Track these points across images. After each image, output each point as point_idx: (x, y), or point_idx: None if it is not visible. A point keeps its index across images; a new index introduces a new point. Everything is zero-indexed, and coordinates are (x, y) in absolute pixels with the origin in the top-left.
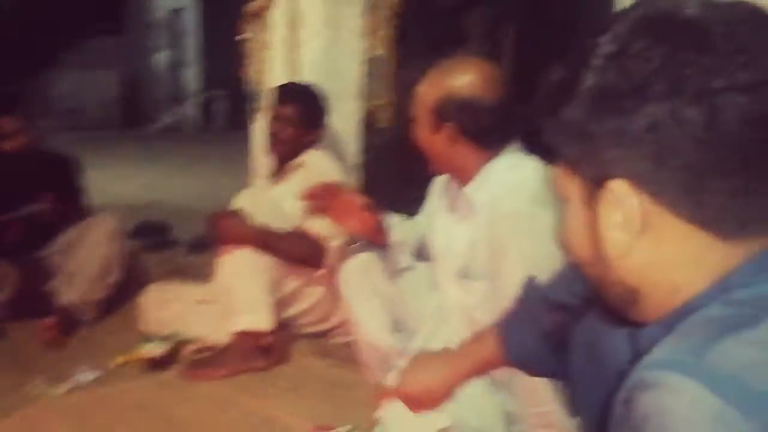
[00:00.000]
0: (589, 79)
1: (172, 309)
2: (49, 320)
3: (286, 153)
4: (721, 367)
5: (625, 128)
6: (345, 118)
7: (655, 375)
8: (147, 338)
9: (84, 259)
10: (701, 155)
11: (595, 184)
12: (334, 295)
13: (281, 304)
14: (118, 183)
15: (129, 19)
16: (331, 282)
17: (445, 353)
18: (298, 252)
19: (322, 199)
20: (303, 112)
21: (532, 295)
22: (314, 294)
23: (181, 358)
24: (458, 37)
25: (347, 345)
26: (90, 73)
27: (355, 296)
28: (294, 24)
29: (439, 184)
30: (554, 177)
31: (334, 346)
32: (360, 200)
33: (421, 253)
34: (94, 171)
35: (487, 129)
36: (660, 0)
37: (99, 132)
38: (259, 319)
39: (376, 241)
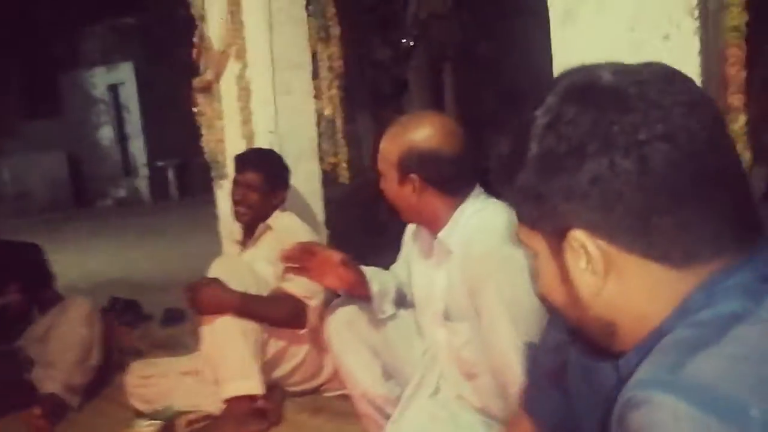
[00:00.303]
0: (533, 148)
1: (159, 384)
2: (35, 410)
3: (251, 218)
4: (694, 381)
5: (571, 185)
6: (305, 178)
7: (640, 394)
8: (139, 416)
9: (62, 346)
10: (640, 199)
11: (557, 237)
12: (319, 351)
13: (267, 366)
14: (76, 263)
15: (67, 99)
16: (315, 340)
17: None
18: (279, 314)
19: (299, 259)
20: (264, 177)
21: (532, 360)
22: (299, 353)
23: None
24: (400, 86)
25: (340, 398)
26: (35, 156)
27: (344, 349)
28: (244, 93)
29: (411, 233)
30: (520, 236)
31: (327, 401)
32: (337, 256)
33: (403, 301)
34: (51, 254)
35: (449, 177)
36: (577, 71)
37: (49, 214)
38: (250, 384)
39: (357, 293)
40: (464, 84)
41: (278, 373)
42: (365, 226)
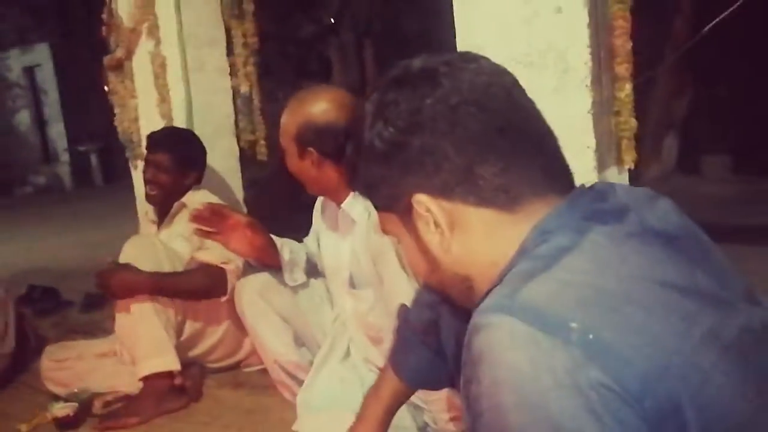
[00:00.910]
0: (367, 138)
1: (75, 367)
2: None
3: (162, 198)
4: (526, 304)
5: (405, 159)
6: (222, 156)
7: (482, 318)
8: (54, 399)
9: None
10: (461, 155)
11: (406, 210)
12: (239, 328)
13: (184, 345)
14: None
15: None
16: (234, 316)
17: (360, 412)
18: (196, 285)
19: (208, 221)
20: (174, 158)
21: (403, 318)
22: (218, 332)
23: (93, 413)
24: (322, 65)
25: (259, 372)
26: None
27: (257, 318)
28: (161, 71)
29: (319, 205)
30: (381, 226)
31: (247, 375)
32: (245, 219)
33: (314, 271)
34: None
35: (345, 149)
36: (395, 67)
37: None
38: (165, 360)
39: (267, 261)
40: (388, 60)
41: (196, 351)
42: (288, 206)
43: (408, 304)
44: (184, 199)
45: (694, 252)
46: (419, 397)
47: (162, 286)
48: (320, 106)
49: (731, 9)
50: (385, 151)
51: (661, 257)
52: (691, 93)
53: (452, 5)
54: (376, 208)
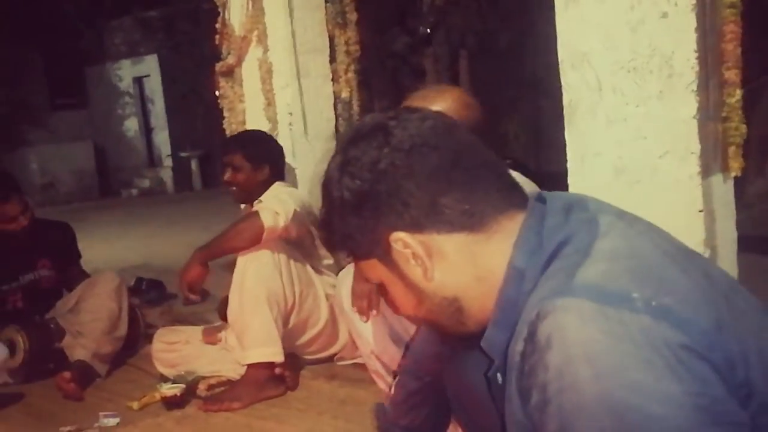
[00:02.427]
0: (335, 194)
1: (183, 350)
2: (66, 374)
3: (245, 197)
4: (586, 284)
5: (376, 204)
6: (323, 158)
7: (547, 305)
8: (163, 380)
9: (91, 317)
10: (423, 189)
11: (386, 252)
12: (335, 322)
13: (289, 334)
14: (102, 250)
15: (94, 90)
16: (333, 310)
17: None
18: (237, 235)
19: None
20: (244, 155)
21: (381, 416)
22: (319, 322)
23: (197, 395)
24: (417, 74)
25: (353, 366)
26: (62, 146)
27: (354, 311)
28: (267, 76)
29: None
30: (365, 274)
31: (341, 368)
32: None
33: None
34: (78, 241)
35: None
36: (346, 131)
37: (76, 204)
38: (272, 351)
39: None
40: (482, 72)
41: (299, 341)
42: None
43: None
44: (262, 197)
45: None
46: None
47: (210, 249)
48: (443, 105)
49: None
50: (356, 201)
51: (647, 235)
52: None
53: (553, 14)
54: (356, 258)
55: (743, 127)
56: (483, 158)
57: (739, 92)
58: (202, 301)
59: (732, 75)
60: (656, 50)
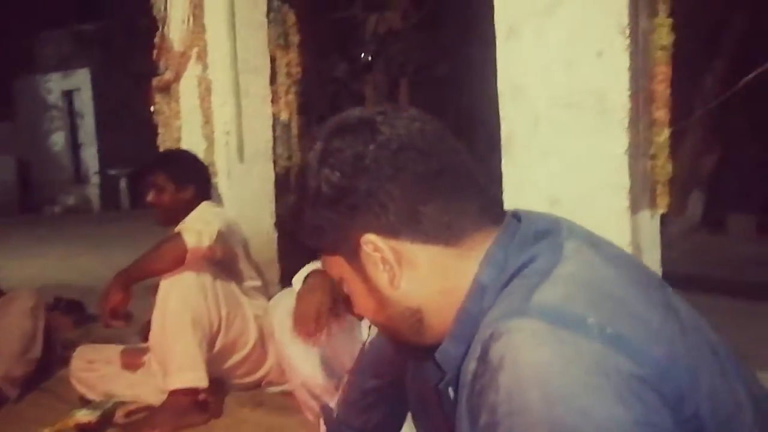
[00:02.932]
0: (312, 185)
1: (102, 370)
2: None
3: (169, 219)
4: (543, 306)
5: (352, 203)
6: (259, 179)
7: (501, 325)
8: (83, 403)
9: (3, 337)
10: (404, 195)
11: (353, 252)
12: (264, 344)
13: (215, 358)
14: (21, 267)
15: (20, 103)
16: (261, 332)
17: None
18: (159, 257)
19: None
20: (168, 176)
21: (330, 416)
22: (247, 345)
23: (115, 422)
24: (357, 100)
25: (280, 394)
26: None
27: (287, 339)
28: (206, 94)
29: None
30: (327, 269)
31: (268, 396)
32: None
33: None
34: None
35: None
36: (332, 120)
37: None
38: (195, 376)
39: None
40: (421, 100)
41: (226, 364)
42: None
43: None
44: (184, 221)
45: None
46: None
47: (131, 273)
48: None
49: (761, 69)
50: (333, 195)
51: (615, 264)
52: (720, 150)
53: (491, 48)
54: (321, 251)
55: (669, 166)
56: (468, 169)
57: (666, 131)
58: (125, 326)
59: (661, 114)
60: (590, 87)
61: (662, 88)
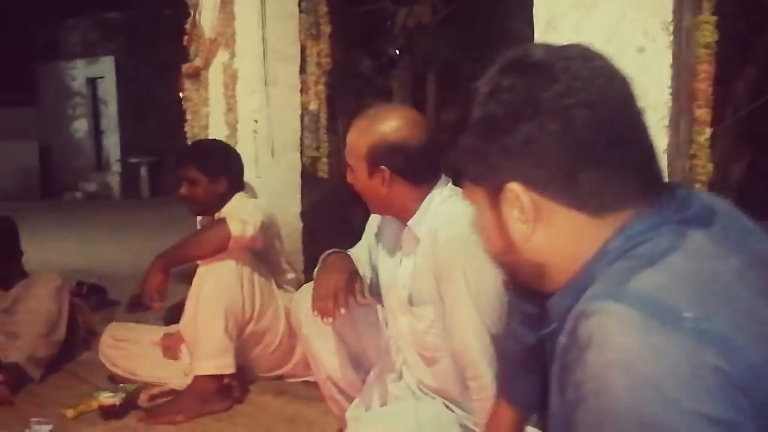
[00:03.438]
0: (476, 113)
1: (129, 349)
2: None
3: (203, 210)
4: (638, 292)
5: (507, 145)
6: (286, 169)
7: (594, 305)
8: (102, 387)
9: (28, 318)
10: (566, 156)
11: (495, 190)
12: (291, 338)
13: (242, 346)
14: (42, 252)
15: (44, 89)
16: (290, 326)
17: None
18: (203, 242)
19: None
20: (199, 168)
21: (501, 349)
22: (275, 338)
23: (139, 405)
24: (383, 95)
25: (302, 384)
26: (6, 143)
27: (313, 333)
28: (231, 81)
29: (375, 221)
30: (465, 192)
31: (290, 385)
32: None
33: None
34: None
35: (418, 167)
36: (514, 50)
37: (18, 203)
38: (222, 363)
39: None
40: (446, 99)
41: (251, 354)
42: (339, 228)
43: (476, 328)
44: (223, 209)
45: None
46: (472, 420)
47: (175, 255)
48: (393, 123)
49: None
50: (492, 132)
51: (750, 263)
52: (749, 157)
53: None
54: (464, 176)
55: (710, 166)
56: (642, 142)
57: (708, 131)
58: (161, 308)
59: (702, 113)
60: (633, 84)
61: (704, 87)
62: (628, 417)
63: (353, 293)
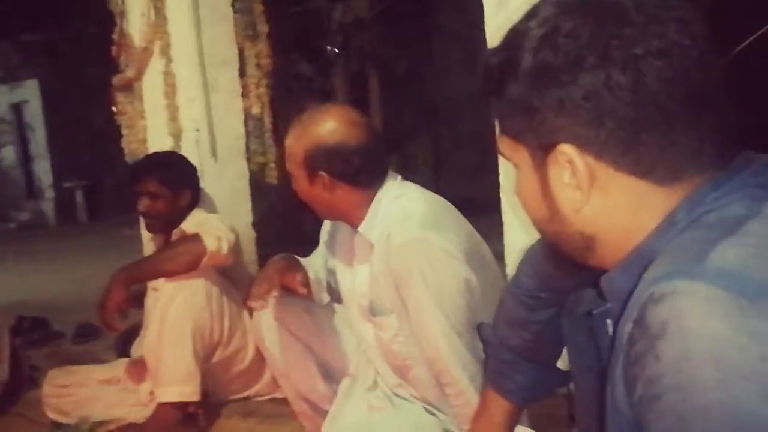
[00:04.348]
0: (527, 59)
1: (77, 394)
2: None
3: (164, 227)
4: (722, 267)
5: (564, 99)
6: (233, 178)
7: (665, 286)
8: (57, 426)
9: None
10: (632, 114)
11: (543, 150)
12: (262, 358)
13: (211, 371)
14: None
15: None
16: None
17: None
18: (174, 258)
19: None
20: (163, 182)
21: (497, 341)
22: (246, 359)
23: None
24: (326, 95)
25: (270, 402)
26: None
27: (277, 347)
28: (170, 90)
29: (328, 227)
30: (501, 148)
31: (257, 404)
32: (297, 279)
33: (331, 293)
34: None
35: (359, 169)
36: None
37: None
38: (188, 390)
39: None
40: (387, 98)
41: (222, 378)
42: (291, 235)
43: (444, 332)
44: (182, 225)
45: None
46: (455, 424)
47: (134, 276)
48: (328, 126)
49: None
50: (546, 82)
51: None
52: None
53: (450, 45)
54: (504, 131)
55: None
56: (717, 101)
57: None
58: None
59: None
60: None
61: None
62: (718, 416)
63: (294, 283)
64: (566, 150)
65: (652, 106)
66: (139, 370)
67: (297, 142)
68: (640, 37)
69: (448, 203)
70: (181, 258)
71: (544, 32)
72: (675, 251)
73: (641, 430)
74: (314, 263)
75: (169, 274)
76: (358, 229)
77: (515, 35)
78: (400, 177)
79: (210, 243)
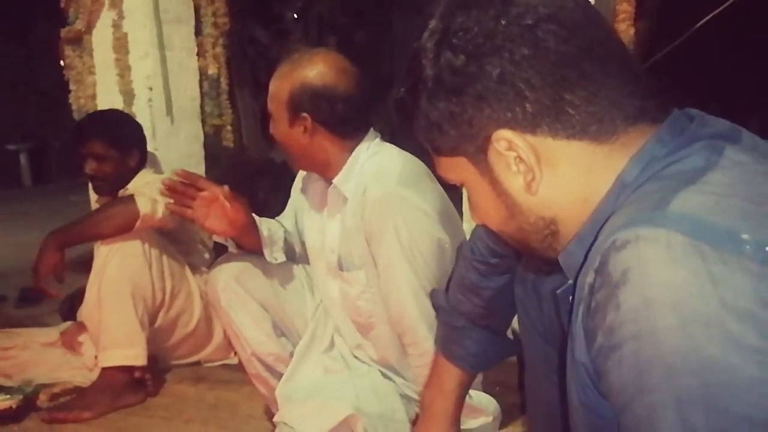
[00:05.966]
0: (430, 73)
1: (20, 356)
2: None
3: (112, 188)
4: (684, 213)
5: (480, 91)
6: (187, 140)
7: (627, 233)
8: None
9: None
10: (548, 79)
11: (481, 151)
12: (210, 321)
13: (155, 335)
14: None
15: None
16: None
17: (425, 410)
18: (106, 220)
19: (182, 192)
20: (109, 142)
21: (449, 308)
22: (191, 322)
23: (39, 405)
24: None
25: (220, 367)
26: None
27: (233, 305)
28: (120, 44)
29: (300, 183)
30: (441, 172)
31: (208, 370)
32: (224, 191)
33: (291, 254)
34: None
35: (343, 118)
36: None
37: None
38: (132, 354)
39: (245, 241)
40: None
41: (167, 343)
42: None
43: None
44: (129, 186)
45: None
46: (412, 389)
47: (66, 238)
48: (317, 68)
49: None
50: (456, 84)
51: None
52: None
53: (410, 15)
54: (438, 153)
55: None
56: (618, 50)
57: None
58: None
59: None
60: None
61: (625, 27)
62: (682, 362)
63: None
64: (502, 135)
65: (560, 65)
66: (72, 338)
67: (283, 81)
68: (525, 10)
69: (424, 165)
70: (114, 220)
71: (436, 40)
72: (636, 202)
73: (600, 379)
74: (271, 222)
75: (102, 236)
76: (333, 181)
77: (412, 58)
78: (380, 136)
79: (143, 205)
